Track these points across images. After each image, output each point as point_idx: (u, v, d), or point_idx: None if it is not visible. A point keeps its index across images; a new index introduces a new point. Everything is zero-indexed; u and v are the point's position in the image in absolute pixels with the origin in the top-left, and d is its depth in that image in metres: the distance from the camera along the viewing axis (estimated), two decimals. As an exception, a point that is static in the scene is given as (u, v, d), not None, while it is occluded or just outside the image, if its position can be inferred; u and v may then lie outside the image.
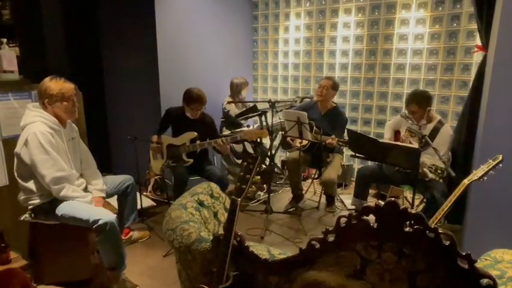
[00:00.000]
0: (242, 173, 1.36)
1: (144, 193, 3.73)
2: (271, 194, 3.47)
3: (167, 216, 1.67)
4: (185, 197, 1.82)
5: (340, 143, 3.16)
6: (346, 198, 3.73)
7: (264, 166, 3.85)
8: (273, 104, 3.17)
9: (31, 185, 2.14)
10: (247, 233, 3.11)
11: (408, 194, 3.33)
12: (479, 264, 1.19)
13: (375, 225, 1.09)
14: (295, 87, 4.69)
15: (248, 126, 4.02)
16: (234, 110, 3.92)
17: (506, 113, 2.21)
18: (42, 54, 3.58)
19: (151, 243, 2.94)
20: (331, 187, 3.43)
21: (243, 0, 4.63)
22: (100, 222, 2.06)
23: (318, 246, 1.20)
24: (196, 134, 3.06)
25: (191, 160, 3.10)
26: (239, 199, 1.34)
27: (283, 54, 4.71)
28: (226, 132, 3.78)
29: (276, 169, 4.42)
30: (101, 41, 4.11)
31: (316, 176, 4.01)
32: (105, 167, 3.83)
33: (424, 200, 2.89)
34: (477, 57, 3.33)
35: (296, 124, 3.13)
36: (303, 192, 3.69)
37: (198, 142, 3.07)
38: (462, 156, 2.88)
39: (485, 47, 2.73)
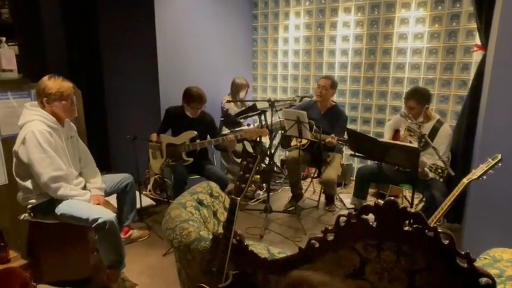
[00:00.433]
0: (241, 172, 1.36)
1: (144, 192, 3.73)
2: (270, 193, 3.47)
3: (167, 215, 1.67)
4: (185, 196, 1.82)
5: (340, 142, 3.16)
6: (346, 198, 3.74)
7: (263, 165, 3.86)
8: (272, 103, 3.17)
9: (29, 184, 2.13)
10: (247, 232, 3.11)
11: (408, 193, 3.34)
12: (478, 263, 1.19)
13: (374, 225, 1.09)
14: (295, 87, 4.69)
15: (248, 125, 4.03)
16: (233, 108, 3.92)
17: (506, 112, 2.21)
18: (41, 53, 3.58)
19: (150, 242, 2.94)
20: (331, 186, 3.44)
21: (242, -1, 4.63)
22: (99, 221, 2.06)
23: (317, 245, 1.20)
24: (196, 133, 3.06)
25: (191, 159, 3.10)
26: (238, 198, 1.34)
27: (283, 53, 4.71)
28: (226, 131, 3.78)
29: (275, 168, 4.42)
30: (101, 40, 4.10)
31: (315, 175, 4.01)
32: (105, 166, 3.83)
33: (424, 199, 2.89)
34: (476, 56, 3.33)
35: (296, 123, 3.13)
36: (303, 191, 3.70)
37: (198, 141, 3.07)
38: (461, 155, 2.88)
39: (484, 46, 2.73)
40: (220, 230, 1.40)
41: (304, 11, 4.42)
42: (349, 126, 3.91)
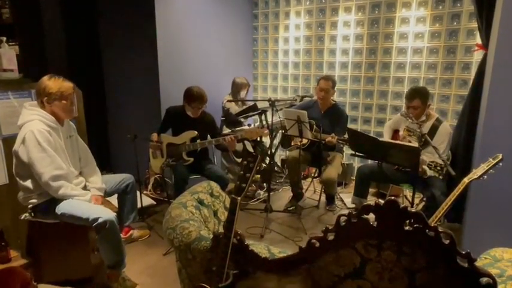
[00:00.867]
0: (242, 172, 1.36)
1: (144, 192, 3.74)
2: (271, 193, 3.47)
3: (167, 215, 1.67)
4: (185, 196, 1.82)
5: (340, 142, 3.16)
6: (346, 197, 3.74)
7: (264, 165, 3.86)
8: (273, 103, 3.17)
9: (30, 184, 2.13)
10: (247, 231, 3.11)
11: (408, 193, 3.33)
12: (478, 263, 1.19)
13: (375, 224, 1.09)
14: (295, 86, 4.68)
15: (249, 125, 4.03)
16: (234, 108, 3.92)
17: (507, 111, 2.21)
18: (42, 53, 3.58)
19: (151, 241, 2.95)
20: (331, 186, 3.43)
21: (243, -2, 4.63)
22: (100, 220, 2.06)
23: (317, 244, 1.20)
24: (196, 133, 3.06)
25: (191, 159, 3.10)
26: (239, 198, 1.34)
27: (283, 53, 4.70)
28: (226, 130, 3.78)
29: (275, 168, 4.42)
30: (101, 40, 4.10)
31: (316, 175, 4.01)
32: (105, 166, 3.83)
33: (424, 198, 2.89)
34: (477, 55, 3.33)
35: (296, 123, 3.13)
36: (303, 191, 3.70)
37: (198, 141, 3.07)
38: (462, 155, 2.87)
39: (485, 45, 2.73)
40: (221, 230, 1.40)
41: (305, 11, 4.42)
42: (350, 125, 3.91)
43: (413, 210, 1.04)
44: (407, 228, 1.05)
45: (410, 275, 1.07)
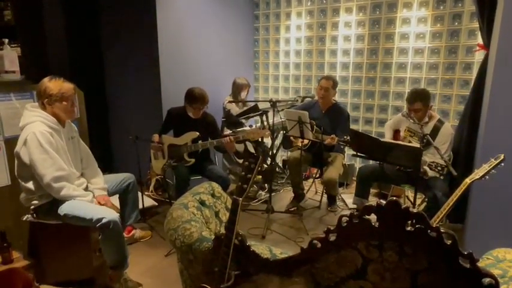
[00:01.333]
0: (243, 173, 1.36)
1: (146, 193, 3.74)
2: (272, 194, 3.47)
3: (169, 215, 1.67)
4: (186, 197, 1.82)
5: (341, 143, 3.16)
6: (348, 198, 3.73)
7: (265, 166, 3.86)
8: (274, 104, 3.17)
9: (32, 185, 2.14)
10: (249, 232, 3.11)
11: (410, 193, 3.33)
12: (481, 264, 1.19)
13: (376, 225, 1.09)
14: (297, 87, 4.68)
15: (251, 126, 4.03)
16: (234, 109, 3.92)
17: (508, 111, 2.20)
18: (43, 55, 3.59)
19: (152, 242, 2.95)
20: (332, 186, 3.43)
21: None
22: (104, 220, 2.06)
23: (319, 245, 1.20)
24: (198, 133, 3.06)
25: (193, 160, 3.10)
26: (240, 198, 1.34)
27: (285, 54, 4.71)
28: (227, 131, 3.78)
29: (277, 168, 4.42)
30: (103, 41, 4.11)
31: (317, 176, 4.01)
32: (107, 167, 3.83)
33: (426, 199, 2.88)
34: (479, 56, 3.32)
35: (297, 123, 3.12)
36: (304, 191, 3.69)
37: (200, 142, 3.07)
38: (464, 155, 2.87)
39: (486, 45, 2.73)
40: (222, 231, 1.40)
41: (306, 11, 4.42)
42: (351, 126, 3.90)
43: (415, 210, 1.04)
44: (409, 228, 1.05)
45: (412, 276, 1.07)
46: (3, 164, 2.43)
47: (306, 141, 3.41)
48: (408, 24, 3.76)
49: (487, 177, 1.87)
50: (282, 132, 4.04)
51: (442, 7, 3.56)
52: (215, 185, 2.02)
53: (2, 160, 2.42)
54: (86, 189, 2.35)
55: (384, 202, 1.07)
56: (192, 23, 3.94)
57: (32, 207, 2.19)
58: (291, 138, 3.63)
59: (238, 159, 3.90)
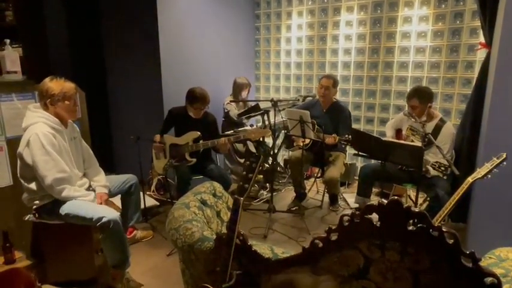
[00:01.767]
0: (245, 172, 1.36)
1: (147, 192, 3.74)
2: (274, 193, 3.47)
3: (170, 215, 1.67)
4: (188, 197, 1.82)
5: (342, 142, 3.15)
6: (349, 197, 3.72)
7: (266, 165, 3.85)
8: (275, 103, 3.17)
9: (34, 185, 2.15)
10: (250, 232, 3.11)
11: (412, 193, 3.32)
12: (483, 263, 1.18)
13: (378, 224, 1.09)
14: (298, 86, 4.68)
15: (252, 125, 4.03)
16: (233, 110, 3.91)
17: (511, 110, 2.20)
18: (45, 55, 3.60)
19: (154, 242, 2.95)
20: (334, 186, 3.43)
21: (245, -1, 4.64)
22: (104, 220, 2.07)
23: (321, 245, 1.20)
24: (199, 133, 3.06)
25: (194, 159, 3.10)
26: (242, 198, 1.34)
27: (286, 53, 4.70)
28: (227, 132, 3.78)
29: (278, 168, 4.42)
30: (104, 41, 4.12)
31: (319, 175, 4.00)
32: (108, 167, 3.83)
33: (428, 198, 2.87)
34: (480, 54, 3.31)
35: (299, 123, 3.12)
36: (306, 191, 3.69)
37: (201, 142, 3.07)
38: (466, 154, 2.86)
39: (488, 44, 2.72)
40: (224, 230, 1.40)
41: (307, 11, 4.41)
42: (353, 125, 3.90)
43: (417, 210, 1.04)
44: (411, 228, 1.04)
45: (414, 275, 1.06)
46: (6, 165, 2.44)
47: (307, 141, 3.41)
48: (409, 23, 3.75)
49: (489, 176, 1.86)
50: (283, 131, 4.04)
51: (443, 5, 3.54)
52: (216, 184, 2.02)
53: (4, 160, 2.42)
54: (88, 188, 2.36)
55: (385, 201, 1.07)
56: (193, 23, 3.94)
57: (34, 207, 2.20)
58: (292, 137, 3.63)
59: (239, 159, 3.90)
